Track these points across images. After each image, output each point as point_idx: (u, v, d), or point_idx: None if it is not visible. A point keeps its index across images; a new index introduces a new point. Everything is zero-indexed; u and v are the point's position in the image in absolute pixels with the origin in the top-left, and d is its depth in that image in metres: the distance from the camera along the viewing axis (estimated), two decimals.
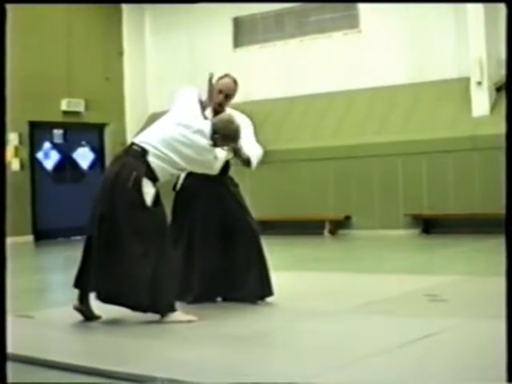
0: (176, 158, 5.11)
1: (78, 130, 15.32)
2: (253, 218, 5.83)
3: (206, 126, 5.19)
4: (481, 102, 12.18)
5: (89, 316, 5.20)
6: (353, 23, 13.76)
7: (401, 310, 5.33)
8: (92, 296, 5.17)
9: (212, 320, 5.10)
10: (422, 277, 7.21)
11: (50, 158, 15.06)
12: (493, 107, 12.06)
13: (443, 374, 3.55)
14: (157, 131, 5.23)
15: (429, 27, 12.94)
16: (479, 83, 12.15)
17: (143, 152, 5.10)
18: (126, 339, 4.67)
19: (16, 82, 11.86)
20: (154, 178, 5.10)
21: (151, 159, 5.09)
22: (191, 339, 4.62)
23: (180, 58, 15.48)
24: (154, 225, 5.06)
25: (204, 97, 5.49)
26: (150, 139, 5.16)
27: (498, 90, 12.03)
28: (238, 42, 15.01)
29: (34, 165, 14.60)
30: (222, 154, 5.40)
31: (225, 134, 5.21)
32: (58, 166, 15.16)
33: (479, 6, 12.01)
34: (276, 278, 5.70)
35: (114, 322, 5.16)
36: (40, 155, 14.87)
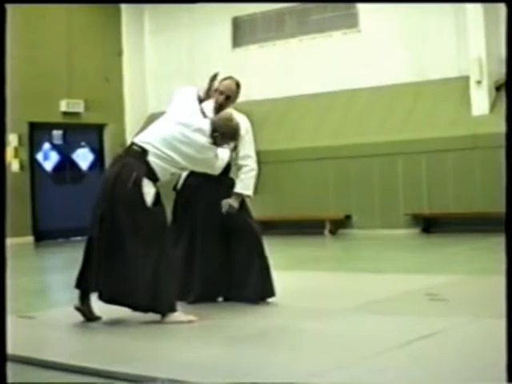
0: (176, 157, 5.12)
1: (78, 131, 15.31)
2: (254, 219, 5.84)
3: (206, 125, 5.19)
4: (480, 101, 12.18)
5: (89, 317, 5.20)
6: (352, 22, 13.75)
7: (401, 310, 5.33)
8: (93, 297, 5.17)
9: (212, 320, 5.10)
10: (422, 276, 7.21)
11: (49, 159, 15.05)
12: (492, 106, 12.06)
13: (443, 373, 3.55)
14: (156, 131, 5.23)
15: (428, 26, 12.93)
16: (479, 82, 12.15)
17: (143, 152, 5.10)
18: (127, 339, 4.67)
19: (15, 83, 11.85)
20: (154, 178, 5.11)
21: (151, 159, 5.09)
22: (192, 339, 4.62)
23: (179, 58, 15.47)
24: (154, 225, 5.06)
25: (202, 93, 5.49)
26: (150, 139, 5.16)
27: (498, 88, 12.03)
28: (237, 42, 15.00)
29: (34, 166, 14.59)
30: (225, 154, 5.40)
31: (224, 132, 5.21)
32: (58, 167, 15.16)
33: (479, 5, 12.01)
34: (276, 277, 5.69)
35: (114, 323, 5.16)
36: (40, 156, 14.86)
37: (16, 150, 14.01)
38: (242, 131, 5.55)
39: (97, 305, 5.18)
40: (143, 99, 15.87)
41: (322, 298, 5.87)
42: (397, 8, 13.01)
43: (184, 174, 5.76)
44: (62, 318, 5.37)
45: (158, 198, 5.13)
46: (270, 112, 14.12)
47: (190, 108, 5.31)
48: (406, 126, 12.80)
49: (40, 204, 14.47)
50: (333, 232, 13.08)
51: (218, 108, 5.63)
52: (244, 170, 5.72)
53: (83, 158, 15.55)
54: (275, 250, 6.38)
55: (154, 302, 4.99)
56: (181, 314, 5.08)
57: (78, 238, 12.73)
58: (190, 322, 5.01)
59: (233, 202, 5.64)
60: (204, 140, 5.14)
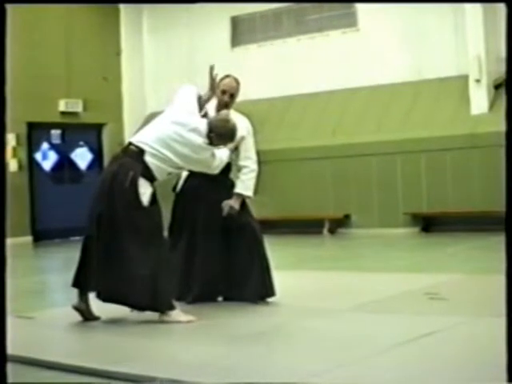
0: (172, 157, 5.11)
1: (76, 131, 15.30)
2: (254, 219, 5.83)
3: (202, 125, 5.18)
4: (479, 100, 12.18)
5: (88, 316, 5.19)
6: (351, 22, 13.75)
7: (401, 309, 5.33)
8: (92, 296, 5.17)
9: (212, 320, 5.10)
10: (421, 275, 7.21)
11: (48, 159, 15.05)
12: (491, 105, 12.06)
13: (443, 372, 3.54)
14: (153, 130, 5.22)
15: (427, 25, 12.93)
16: (478, 81, 12.14)
17: (140, 152, 5.10)
18: (126, 339, 4.66)
19: (14, 83, 11.80)
20: (151, 178, 5.10)
21: (148, 159, 5.09)
22: (191, 339, 4.62)
23: (178, 57, 15.47)
24: (151, 224, 5.07)
25: (203, 93, 5.49)
26: (147, 138, 5.16)
27: (497, 87, 12.03)
28: (235, 41, 15.00)
29: (32, 165, 14.58)
30: (224, 154, 5.40)
31: (220, 133, 5.20)
32: (57, 167, 15.15)
33: (477, 4, 12.00)
34: (276, 277, 5.69)
35: (113, 322, 5.16)
36: (38, 156, 14.86)
37: (14, 149, 14.00)
38: (243, 132, 5.56)
39: (95, 304, 5.18)
40: (142, 99, 15.86)
41: (322, 298, 5.87)
42: (396, 7, 13.00)
43: (184, 175, 5.76)
44: (61, 318, 5.37)
45: (154, 197, 5.13)
46: (269, 111, 14.12)
47: (189, 107, 5.30)
48: (404, 125, 12.80)
49: (38, 204, 14.47)
50: (332, 231, 13.08)
51: (224, 108, 5.62)
52: (244, 170, 5.72)
53: (82, 157, 15.54)
54: (275, 250, 6.37)
55: (153, 300, 4.99)
56: (180, 313, 5.08)
57: (77, 237, 12.69)
58: (189, 321, 5.01)
59: (233, 203, 5.64)
60: (200, 140, 5.13)
